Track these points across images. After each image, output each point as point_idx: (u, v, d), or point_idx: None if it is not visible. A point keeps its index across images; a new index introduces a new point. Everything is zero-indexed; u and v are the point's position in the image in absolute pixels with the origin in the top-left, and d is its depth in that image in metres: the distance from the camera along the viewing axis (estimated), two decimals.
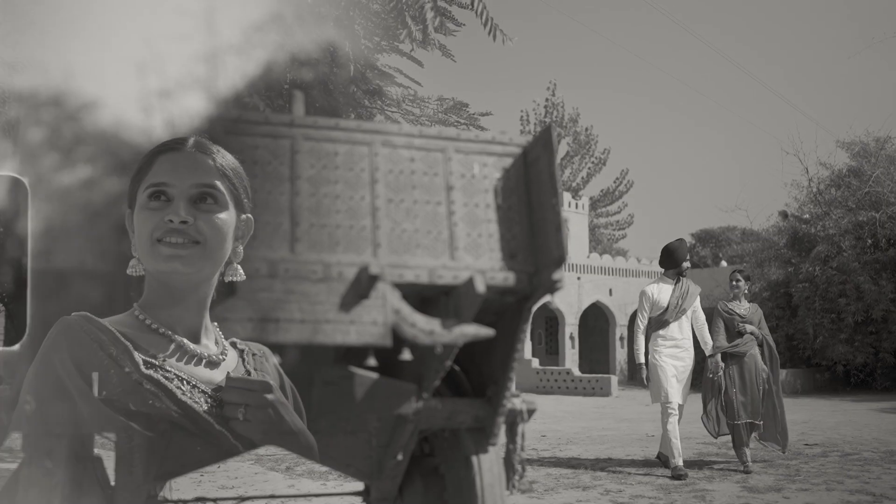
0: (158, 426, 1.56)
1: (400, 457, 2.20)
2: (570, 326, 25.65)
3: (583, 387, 19.78)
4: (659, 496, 5.14)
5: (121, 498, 1.97)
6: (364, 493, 2.53)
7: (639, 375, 6.55)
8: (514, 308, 2.12)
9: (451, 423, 2.23)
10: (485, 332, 1.97)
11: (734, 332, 6.68)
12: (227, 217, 1.61)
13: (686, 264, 6.52)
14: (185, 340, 1.59)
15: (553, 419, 11.94)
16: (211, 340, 1.65)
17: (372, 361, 1.95)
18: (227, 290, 1.92)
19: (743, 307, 6.76)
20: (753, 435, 6.55)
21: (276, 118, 1.94)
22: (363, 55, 6.48)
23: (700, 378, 6.93)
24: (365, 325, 1.89)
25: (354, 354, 2.00)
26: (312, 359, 1.94)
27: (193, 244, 1.56)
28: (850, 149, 20.34)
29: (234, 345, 1.71)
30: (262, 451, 7.05)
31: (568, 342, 25.56)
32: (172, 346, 1.58)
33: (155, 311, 1.63)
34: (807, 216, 20.14)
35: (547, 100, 35.21)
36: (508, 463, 2.46)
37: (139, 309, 1.63)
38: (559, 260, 1.93)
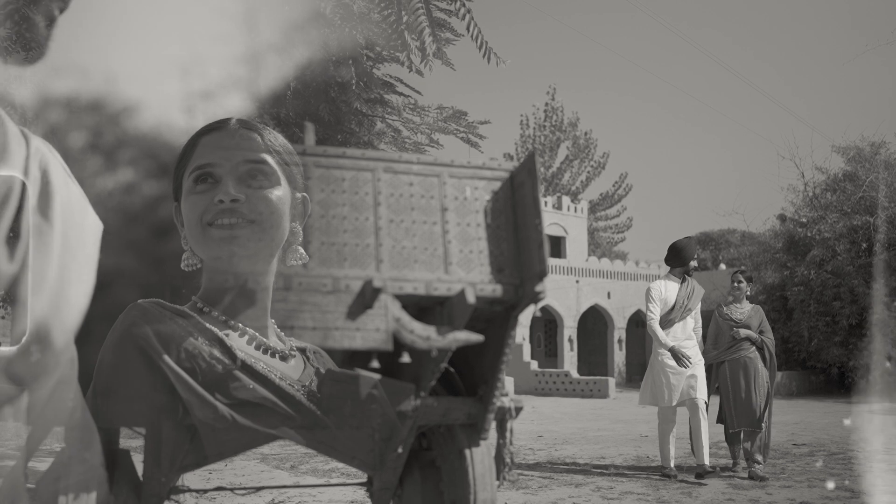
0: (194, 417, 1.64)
1: (400, 450, 2.38)
2: (569, 329, 25.81)
3: (581, 389, 19.97)
4: (647, 492, 5.37)
5: (149, 487, 2.18)
6: (367, 484, 2.75)
7: (682, 356, 6.01)
8: (502, 316, 2.30)
9: (446, 420, 2.40)
10: (475, 337, 2.15)
11: (728, 337, 6.45)
12: (282, 194, 1.48)
13: (693, 263, 6.32)
14: (257, 333, 1.52)
15: (550, 420, 12.14)
16: (274, 336, 1.60)
17: (375, 363, 2.15)
18: (249, 300, 2.11)
19: (742, 310, 6.53)
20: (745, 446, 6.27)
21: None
22: (365, 70, 6.68)
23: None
24: (369, 332, 2.06)
25: (359, 357, 2.20)
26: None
27: (248, 224, 1.43)
28: (845, 153, 20.55)
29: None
30: (266, 449, 7.27)
31: (566, 345, 25.72)
32: (247, 337, 1.51)
33: (216, 304, 1.52)
34: (804, 220, 20.36)
35: (547, 104, 35.35)
36: (499, 456, 2.67)
37: (201, 301, 1.56)
38: (541, 274, 2.13)
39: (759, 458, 6.08)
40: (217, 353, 1.46)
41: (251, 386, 1.45)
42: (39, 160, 1.16)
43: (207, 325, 1.46)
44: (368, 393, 1.80)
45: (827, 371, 19.04)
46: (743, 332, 6.39)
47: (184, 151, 1.56)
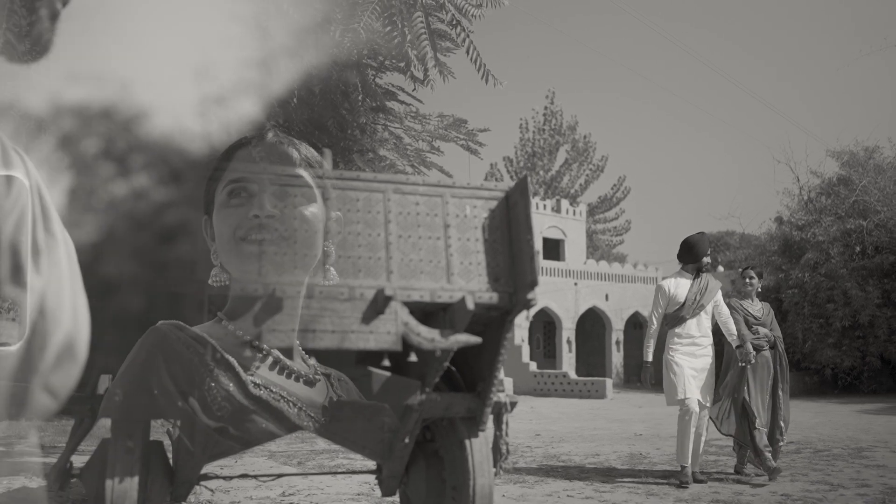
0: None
1: (406, 440, 2.60)
2: (567, 331, 26.04)
3: (579, 389, 20.21)
4: (638, 486, 5.63)
5: (181, 474, 2.41)
6: (377, 471, 3.00)
7: (641, 376, 5.98)
8: (498, 320, 2.52)
9: (448, 413, 2.59)
10: (474, 339, 2.35)
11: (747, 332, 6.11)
12: (317, 211, 1.40)
13: (707, 259, 6.08)
14: (281, 355, 1.49)
15: (548, 420, 12.38)
16: (300, 358, 1.57)
17: (386, 363, 2.37)
18: (277, 320, 2.25)
19: (755, 307, 6.35)
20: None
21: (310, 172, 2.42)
22: (370, 85, 6.92)
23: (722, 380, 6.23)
24: (381, 334, 2.20)
25: (372, 357, 2.44)
26: (340, 360, 2.41)
27: (282, 240, 1.40)
28: (839, 158, 20.80)
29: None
30: (273, 447, 7.49)
31: (565, 346, 25.94)
32: (270, 360, 1.46)
33: (243, 322, 1.49)
34: (801, 223, 20.60)
35: (546, 108, 35.55)
36: (496, 447, 2.91)
37: (226, 318, 1.52)
38: (532, 283, 2.36)
39: (769, 458, 5.89)
40: (232, 388, 1.38)
41: (263, 424, 1.38)
42: (35, 175, 1.13)
43: (226, 354, 1.38)
44: (380, 420, 1.89)
45: (820, 372, 19.27)
46: (762, 329, 6.23)
47: (217, 164, 1.52)
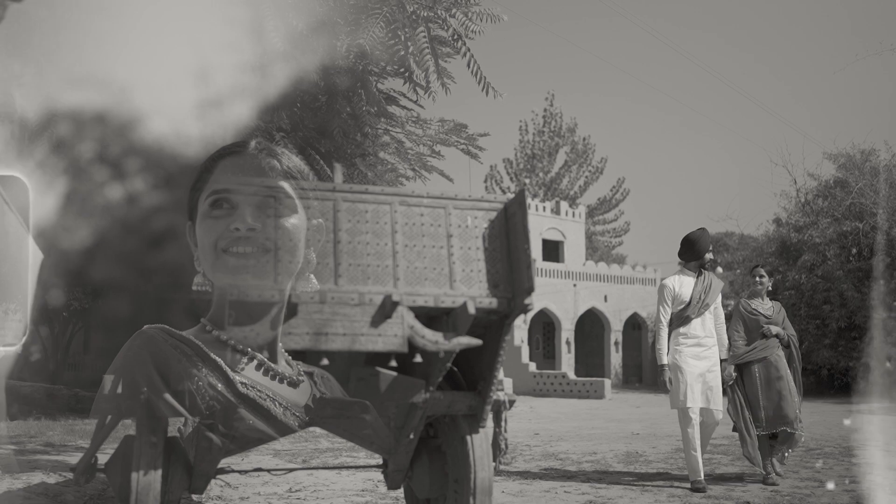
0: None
1: (411, 436, 2.71)
2: (566, 332, 26.17)
3: (577, 390, 20.36)
4: (633, 482, 5.79)
5: (199, 467, 2.55)
6: (383, 466, 3.14)
7: (658, 380, 5.72)
8: (497, 323, 2.63)
9: (450, 410, 2.70)
10: (475, 341, 2.46)
11: (757, 333, 6.02)
12: (298, 222, 1.39)
13: (709, 255, 5.88)
14: (265, 358, 1.49)
15: (547, 419, 12.52)
16: (283, 361, 1.59)
17: (393, 363, 2.49)
18: (289, 311, 2.23)
19: (766, 306, 6.13)
20: (784, 452, 5.86)
21: (322, 185, 2.57)
22: (374, 95, 7.06)
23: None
24: (388, 337, 2.32)
25: (380, 358, 2.57)
26: (350, 361, 2.56)
27: (263, 252, 1.39)
28: (836, 160, 20.95)
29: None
30: (278, 445, 7.63)
31: (564, 347, 26.07)
32: (255, 363, 1.47)
33: (227, 328, 1.52)
34: (798, 224, 20.74)
35: (545, 109, 35.65)
36: (495, 443, 3.06)
37: (210, 324, 1.53)
38: (529, 290, 2.50)
39: (773, 466, 5.82)
40: (221, 387, 1.40)
41: (251, 421, 1.41)
42: None
43: (213, 355, 1.40)
44: (361, 418, 1.99)
45: (817, 373, 19.41)
46: (774, 328, 6.03)
47: (200, 172, 1.52)
